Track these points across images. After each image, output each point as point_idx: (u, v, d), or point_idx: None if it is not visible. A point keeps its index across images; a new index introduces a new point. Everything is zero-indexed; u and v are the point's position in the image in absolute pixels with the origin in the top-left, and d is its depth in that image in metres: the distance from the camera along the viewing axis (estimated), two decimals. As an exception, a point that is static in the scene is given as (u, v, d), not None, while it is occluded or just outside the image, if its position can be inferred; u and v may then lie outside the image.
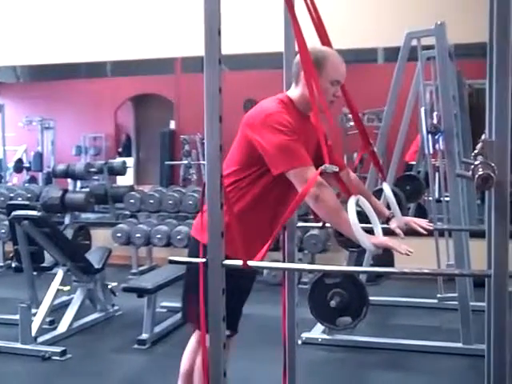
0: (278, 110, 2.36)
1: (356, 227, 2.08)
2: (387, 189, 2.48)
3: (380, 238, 2.16)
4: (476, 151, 1.77)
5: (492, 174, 1.57)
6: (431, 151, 4.98)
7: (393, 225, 2.56)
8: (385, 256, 4.89)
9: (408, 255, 2.05)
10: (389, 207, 2.59)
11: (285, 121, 2.32)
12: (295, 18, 2.04)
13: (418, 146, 6.58)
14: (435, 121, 4.86)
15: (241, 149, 2.45)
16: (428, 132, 4.89)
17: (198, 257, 2.33)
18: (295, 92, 2.48)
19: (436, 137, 4.85)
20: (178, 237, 6.30)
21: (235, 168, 2.45)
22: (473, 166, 1.61)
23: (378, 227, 2.18)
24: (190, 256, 2.57)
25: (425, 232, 2.49)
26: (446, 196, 4.79)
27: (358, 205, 2.11)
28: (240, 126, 2.44)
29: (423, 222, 2.58)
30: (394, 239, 2.15)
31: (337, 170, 2.18)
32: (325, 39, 2.36)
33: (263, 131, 2.31)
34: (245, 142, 2.41)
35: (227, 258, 1.96)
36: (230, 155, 2.49)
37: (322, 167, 2.14)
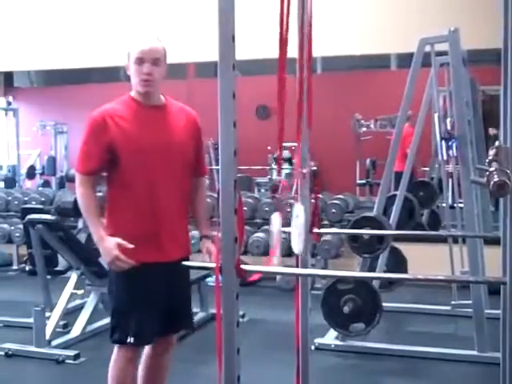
0: (90, 116, 2.58)
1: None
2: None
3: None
4: (490, 157, 1.76)
5: (507, 181, 1.57)
6: (445, 157, 4.97)
7: (202, 245, 2.81)
8: (398, 262, 4.90)
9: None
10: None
11: (89, 125, 2.56)
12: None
13: (403, 153, 6.47)
14: (449, 127, 4.85)
15: None
16: (442, 138, 4.88)
17: (112, 278, 2.58)
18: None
19: (450, 143, 4.84)
20: (192, 241, 6.28)
21: None
22: (488, 173, 1.61)
23: None
24: (108, 281, 2.66)
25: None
26: (460, 202, 4.77)
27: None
28: None
29: (209, 255, 2.76)
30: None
31: None
32: (308, 44, 2.37)
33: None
34: None
35: None
36: None
37: None
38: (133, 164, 2.52)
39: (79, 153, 2.59)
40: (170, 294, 2.62)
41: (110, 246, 2.45)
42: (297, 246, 2.17)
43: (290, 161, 9.05)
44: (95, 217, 2.52)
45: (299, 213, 2.24)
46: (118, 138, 2.50)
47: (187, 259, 2.68)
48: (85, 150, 2.56)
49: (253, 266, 1.94)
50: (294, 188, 2.44)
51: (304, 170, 2.49)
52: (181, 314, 2.73)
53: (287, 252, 2.68)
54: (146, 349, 2.73)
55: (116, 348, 2.63)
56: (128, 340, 2.55)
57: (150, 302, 2.57)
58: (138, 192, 2.54)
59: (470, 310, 4.23)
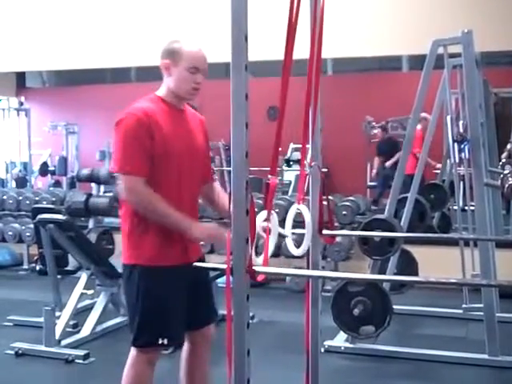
0: (129, 114, 2.49)
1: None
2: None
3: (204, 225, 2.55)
4: (504, 160, 1.75)
5: (522, 184, 1.55)
6: (457, 160, 4.94)
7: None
8: (409, 265, 4.88)
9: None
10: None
11: (134, 123, 2.47)
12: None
13: (414, 157, 6.49)
14: (461, 129, 4.83)
15: None
16: (454, 141, 4.85)
17: (135, 282, 2.54)
18: (163, 87, 2.61)
19: (462, 145, 4.81)
20: (202, 242, 6.28)
21: None
22: (502, 176, 1.59)
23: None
24: (127, 285, 2.63)
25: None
26: (471, 205, 4.74)
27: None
28: None
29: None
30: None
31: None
32: (318, 46, 2.36)
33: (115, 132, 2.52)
34: None
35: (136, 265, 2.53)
36: None
37: None
38: (164, 166, 2.50)
39: (126, 153, 2.48)
40: (193, 292, 2.65)
41: (210, 225, 2.68)
42: (294, 247, 2.17)
43: (299, 162, 9.04)
44: (170, 208, 2.46)
45: (304, 213, 2.23)
46: (156, 139, 2.48)
47: (203, 260, 2.78)
48: (136, 150, 2.46)
49: (264, 268, 1.92)
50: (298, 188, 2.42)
51: (308, 170, 2.49)
52: (204, 309, 2.77)
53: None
54: (186, 347, 2.77)
55: (135, 351, 2.64)
56: (160, 341, 2.56)
57: (178, 303, 2.60)
58: (166, 196, 2.50)
59: (482, 313, 4.20)
